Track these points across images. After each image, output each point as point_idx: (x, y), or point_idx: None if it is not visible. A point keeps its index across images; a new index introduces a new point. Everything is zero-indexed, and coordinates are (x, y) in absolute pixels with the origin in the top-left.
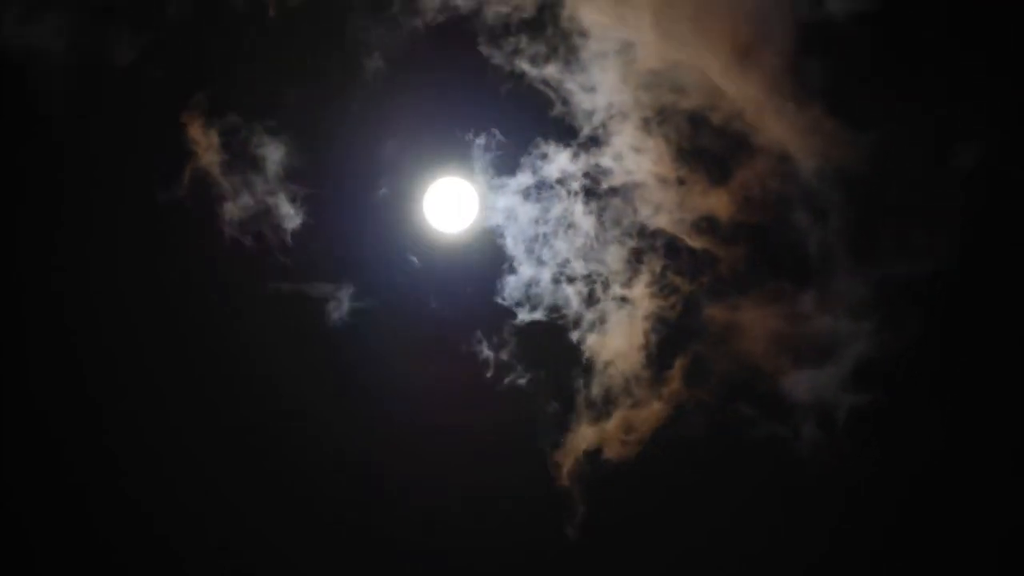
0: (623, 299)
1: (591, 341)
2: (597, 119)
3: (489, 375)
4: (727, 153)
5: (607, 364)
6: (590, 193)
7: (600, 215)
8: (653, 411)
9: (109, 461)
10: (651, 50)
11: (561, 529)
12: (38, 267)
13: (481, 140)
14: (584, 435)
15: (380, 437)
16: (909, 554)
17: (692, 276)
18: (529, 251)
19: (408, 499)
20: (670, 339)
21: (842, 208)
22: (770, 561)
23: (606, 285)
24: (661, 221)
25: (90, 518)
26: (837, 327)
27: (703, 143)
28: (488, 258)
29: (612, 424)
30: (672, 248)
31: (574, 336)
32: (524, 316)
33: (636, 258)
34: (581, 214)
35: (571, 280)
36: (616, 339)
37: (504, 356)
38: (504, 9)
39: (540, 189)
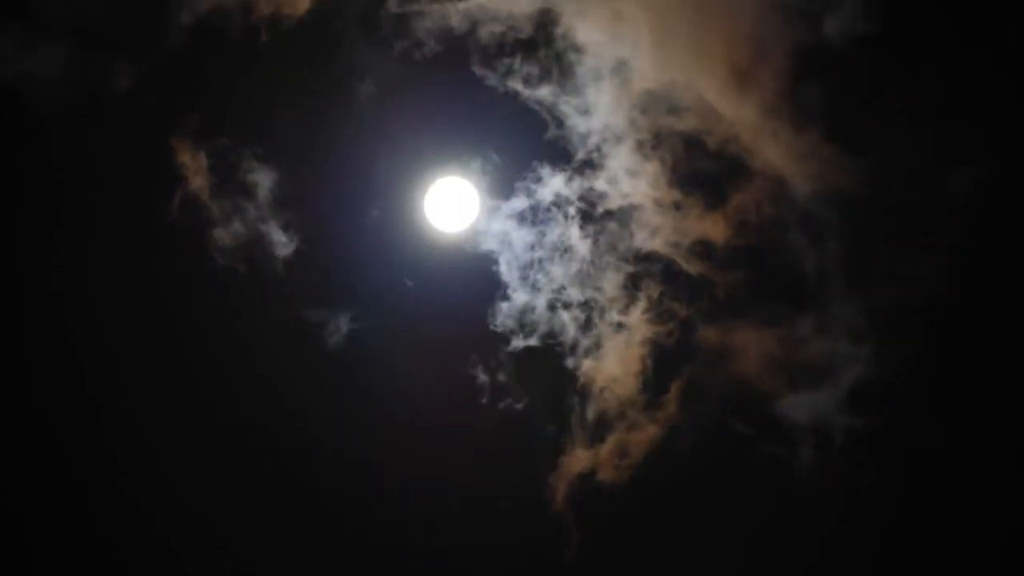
0: (620, 325)
1: (587, 367)
2: (592, 142)
3: (484, 400)
4: (724, 176)
5: (603, 389)
6: (586, 217)
7: (596, 239)
8: (650, 434)
9: (109, 461)
10: (647, 70)
11: (561, 529)
12: (38, 267)
13: (476, 163)
14: (579, 459)
15: (380, 437)
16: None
17: (689, 300)
18: (524, 277)
19: (408, 499)
20: (667, 363)
21: (839, 232)
22: None
23: (602, 312)
24: (657, 245)
25: (90, 518)
26: (833, 350)
27: (700, 166)
28: (483, 282)
29: (607, 448)
30: (669, 272)
31: (570, 362)
32: (518, 343)
33: (633, 283)
34: (577, 238)
35: (567, 306)
36: (613, 364)
37: (501, 378)
38: (498, 29)
39: (535, 213)
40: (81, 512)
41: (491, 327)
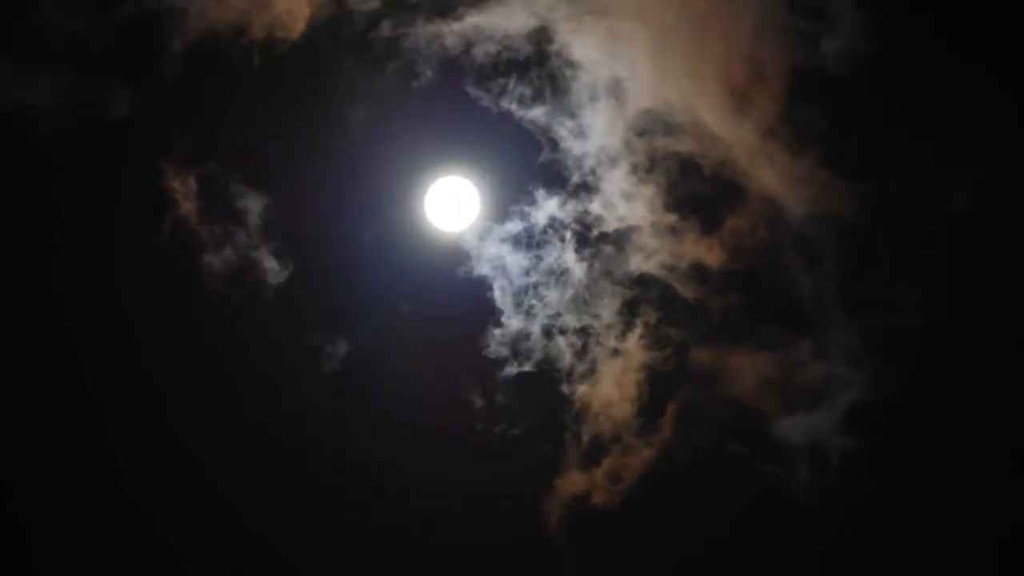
0: (615, 351)
1: (582, 391)
2: (588, 164)
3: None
4: (720, 199)
5: (598, 414)
6: (581, 241)
7: (591, 263)
8: (644, 457)
9: (109, 461)
10: (644, 91)
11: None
12: (38, 267)
13: (471, 186)
14: (575, 480)
15: (380, 437)
16: None
17: (685, 324)
18: (518, 304)
19: (408, 499)
20: (663, 387)
21: (835, 255)
22: None
23: (598, 338)
24: (653, 268)
25: (90, 518)
26: (830, 373)
27: (696, 189)
28: (477, 307)
29: (602, 471)
30: (665, 297)
31: (565, 388)
32: (512, 369)
33: (629, 309)
34: (572, 262)
35: (563, 332)
36: (608, 389)
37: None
38: (492, 49)
39: (530, 236)
40: (81, 512)
41: (485, 354)
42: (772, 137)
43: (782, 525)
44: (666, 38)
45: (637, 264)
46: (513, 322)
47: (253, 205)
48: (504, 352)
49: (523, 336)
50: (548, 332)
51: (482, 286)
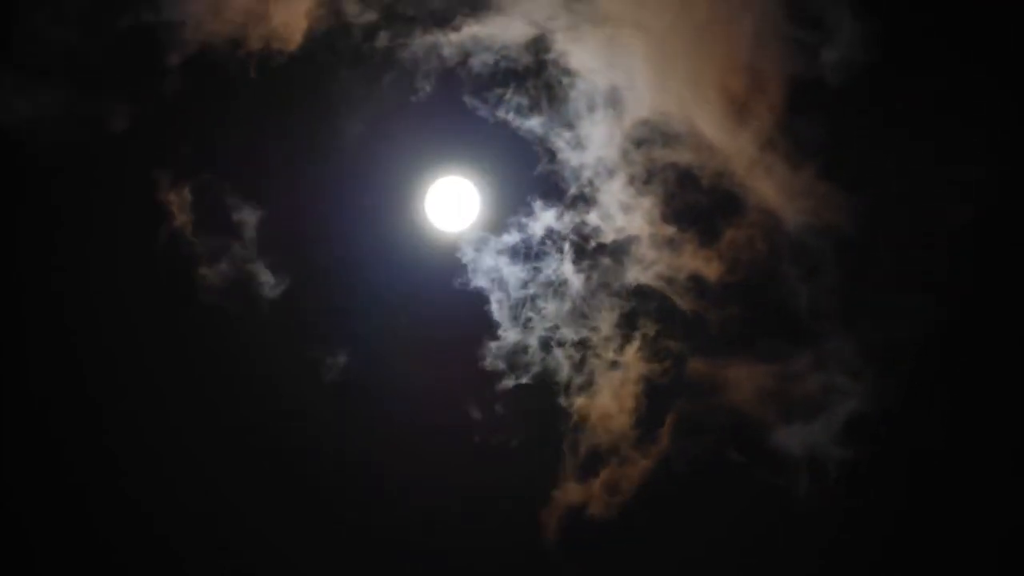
0: (614, 363)
1: (580, 403)
2: (585, 175)
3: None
4: (718, 211)
5: (595, 426)
6: (579, 252)
7: (589, 275)
8: (642, 468)
9: (109, 461)
10: (642, 101)
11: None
12: (38, 267)
13: (468, 197)
14: (573, 491)
15: (380, 437)
16: None
17: (683, 336)
18: (515, 315)
19: (408, 499)
20: (661, 399)
21: (833, 267)
22: None
23: (596, 350)
24: (651, 280)
25: (90, 518)
26: (828, 384)
27: (694, 200)
28: (475, 320)
29: (600, 482)
30: (663, 309)
31: (563, 400)
32: (509, 381)
33: (627, 321)
34: (570, 274)
35: (560, 344)
36: (606, 401)
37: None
38: (490, 59)
39: (527, 248)
40: (81, 512)
41: (482, 366)
42: (770, 148)
43: (781, 535)
44: (664, 48)
45: (635, 276)
46: (510, 334)
47: (249, 217)
48: (501, 365)
49: (520, 349)
50: (546, 344)
51: (479, 298)
